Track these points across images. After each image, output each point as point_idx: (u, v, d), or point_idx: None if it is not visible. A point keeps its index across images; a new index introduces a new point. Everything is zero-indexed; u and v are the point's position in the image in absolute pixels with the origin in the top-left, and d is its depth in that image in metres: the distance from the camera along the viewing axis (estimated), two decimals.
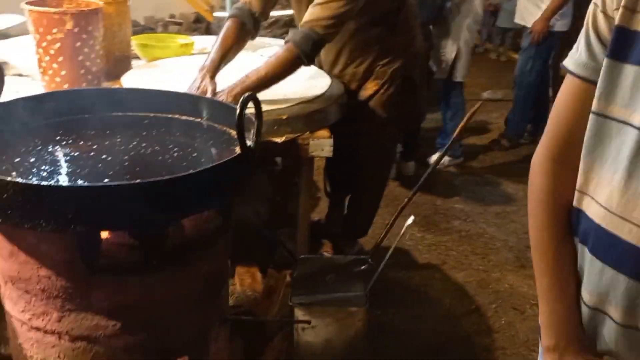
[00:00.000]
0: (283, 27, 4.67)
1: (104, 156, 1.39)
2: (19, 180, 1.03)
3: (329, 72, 2.29)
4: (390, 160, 2.50)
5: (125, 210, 1.09)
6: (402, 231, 1.75)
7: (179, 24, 6.35)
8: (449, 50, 3.62)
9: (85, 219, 1.07)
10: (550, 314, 0.98)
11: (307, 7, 1.94)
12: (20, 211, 1.05)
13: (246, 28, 2.05)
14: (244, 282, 2.36)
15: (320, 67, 2.34)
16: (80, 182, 1.25)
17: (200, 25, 6.16)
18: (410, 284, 2.55)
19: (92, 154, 1.40)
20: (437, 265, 2.71)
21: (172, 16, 6.53)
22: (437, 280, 2.59)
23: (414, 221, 2.61)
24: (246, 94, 1.24)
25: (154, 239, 1.30)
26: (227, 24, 2.05)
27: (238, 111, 1.21)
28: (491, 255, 2.82)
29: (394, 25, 2.20)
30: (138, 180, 1.08)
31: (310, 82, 2.14)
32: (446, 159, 3.78)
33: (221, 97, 1.78)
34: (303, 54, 1.84)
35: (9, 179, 1.03)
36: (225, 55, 1.99)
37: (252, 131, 1.33)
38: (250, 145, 1.30)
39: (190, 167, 1.32)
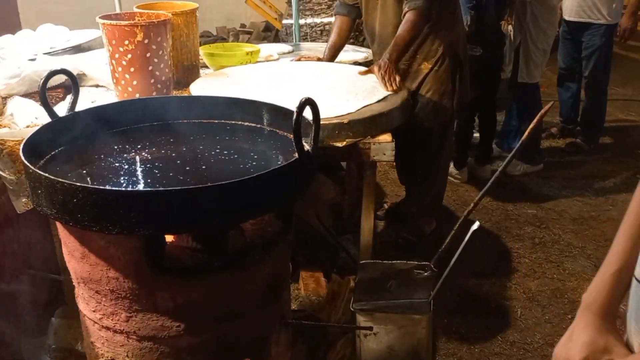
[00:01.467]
0: None
1: (172, 161, 1.44)
2: (88, 185, 1.08)
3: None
4: (448, 131, 2.59)
5: (186, 213, 1.12)
6: (467, 237, 1.69)
7: (249, 32, 6.52)
8: (510, 49, 3.46)
9: (149, 223, 1.11)
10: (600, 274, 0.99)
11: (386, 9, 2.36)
12: (89, 215, 1.10)
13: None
14: (308, 286, 2.37)
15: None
16: (146, 187, 1.30)
17: (270, 33, 6.29)
18: (479, 292, 2.46)
19: (161, 159, 1.45)
20: (509, 273, 2.59)
21: (242, 26, 6.72)
22: (508, 289, 2.49)
23: (481, 227, 2.54)
24: (303, 99, 1.24)
25: (215, 241, 1.33)
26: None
27: (295, 116, 1.22)
28: (567, 263, 2.67)
29: (439, 6, 2.34)
30: (197, 185, 1.10)
31: (375, 86, 2.12)
32: (524, 165, 3.60)
33: (383, 62, 2.14)
34: (426, 11, 2.21)
35: (78, 184, 1.08)
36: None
37: (310, 136, 1.33)
38: (308, 150, 1.30)
39: (252, 173, 1.33)
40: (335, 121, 1.82)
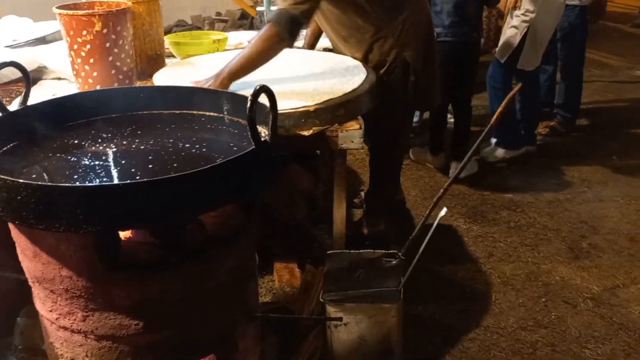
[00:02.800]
0: None
1: (128, 154, 1.40)
2: (30, 182, 1.04)
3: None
4: (396, 140, 2.43)
5: (136, 208, 1.08)
6: (435, 223, 1.67)
7: (225, 21, 6.43)
8: (510, 32, 3.31)
9: (97, 219, 1.07)
10: None
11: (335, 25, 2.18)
12: (34, 213, 1.06)
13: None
14: (282, 278, 2.35)
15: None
16: (100, 181, 1.25)
17: (246, 21, 6.21)
18: (455, 278, 2.46)
19: (117, 152, 1.41)
20: (484, 258, 2.59)
21: (218, 14, 6.63)
22: (483, 274, 2.48)
23: (457, 212, 2.52)
24: (257, 86, 1.20)
25: (172, 236, 1.30)
26: None
27: (249, 104, 1.18)
28: (542, 246, 2.67)
29: (391, 8, 2.18)
30: (145, 179, 1.06)
31: (344, 73, 2.09)
32: (501, 150, 3.55)
33: (209, 83, 1.84)
34: (283, 31, 1.90)
35: (20, 180, 1.04)
36: None
37: (269, 124, 1.30)
38: (265, 139, 1.27)
39: (210, 164, 1.30)
40: (301, 109, 1.79)
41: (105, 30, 1.86)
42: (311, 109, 1.80)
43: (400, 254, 1.77)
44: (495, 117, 1.82)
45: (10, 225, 1.28)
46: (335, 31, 2.28)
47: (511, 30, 3.31)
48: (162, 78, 2.04)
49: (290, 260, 2.44)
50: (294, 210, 2.59)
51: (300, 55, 2.41)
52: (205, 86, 1.83)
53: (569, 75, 3.92)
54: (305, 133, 1.80)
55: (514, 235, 2.76)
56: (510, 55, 3.32)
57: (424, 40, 2.30)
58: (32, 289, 1.37)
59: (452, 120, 3.53)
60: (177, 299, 1.30)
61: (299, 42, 2.69)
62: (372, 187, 2.62)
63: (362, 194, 3.07)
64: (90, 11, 1.88)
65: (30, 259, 1.27)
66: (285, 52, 2.41)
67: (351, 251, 1.84)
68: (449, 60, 3.06)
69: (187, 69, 2.16)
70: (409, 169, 3.46)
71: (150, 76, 2.16)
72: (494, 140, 3.64)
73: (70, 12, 1.85)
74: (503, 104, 1.83)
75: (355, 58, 2.27)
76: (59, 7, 1.89)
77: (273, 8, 4.35)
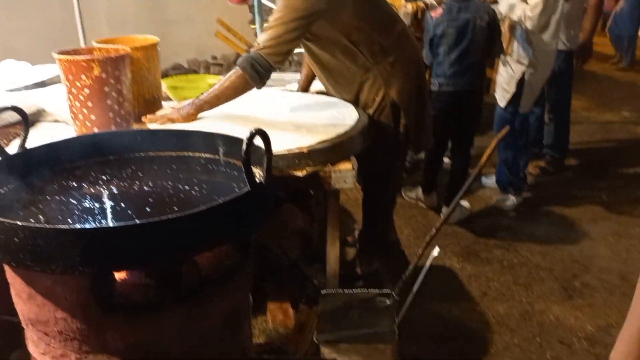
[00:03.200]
0: None
1: (125, 196, 1.42)
2: (28, 224, 1.05)
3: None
4: (387, 181, 2.45)
5: (132, 250, 1.10)
6: (428, 263, 1.69)
7: (220, 64, 6.56)
8: (506, 78, 3.33)
9: (93, 261, 1.08)
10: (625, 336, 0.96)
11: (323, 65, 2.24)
12: (31, 254, 1.07)
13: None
14: (276, 318, 2.34)
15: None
16: (97, 223, 1.27)
17: None
18: (449, 317, 2.45)
19: (114, 194, 1.43)
20: (478, 297, 2.59)
21: (214, 58, 6.77)
22: (478, 313, 2.48)
23: (451, 251, 2.54)
24: (253, 129, 1.24)
25: (167, 277, 1.31)
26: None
27: (244, 147, 1.21)
28: (535, 285, 2.68)
29: (379, 52, 2.21)
30: (141, 221, 1.08)
31: (336, 115, 2.14)
32: (512, 198, 3.49)
33: (181, 112, 2.03)
34: (251, 79, 2.01)
35: (18, 222, 1.06)
36: None
37: (263, 166, 1.33)
38: (260, 181, 1.29)
39: (206, 205, 1.32)
40: (294, 151, 1.82)
41: (104, 75, 1.90)
42: (304, 150, 1.83)
43: (394, 293, 1.78)
44: (483, 159, 1.86)
45: (6, 268, 1.29)
46: (326, 73, 2.34)
47: (507, 76, 3.34)
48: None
49: (284, 300, 2.43)
50: (288, 250, 2.59)
51: (294, 97, 2.47)
52: (175, 114, 2.05)
53: (557, 117, 4.02)
54: (299, 174, 1.83)
55: (507, 274, 2.77)
56: (510, 99, 3.34)
57: (414, 82, 2.34)
58: (25, 331, 1.37)
59: (449, 161, 3.58)
60: (171, 340, 1.30)
61: (294, 86, 2.75)
62: (365, 226, 2.64)
63: (356, 233, 3.09)
64: (89, 57, 1.93)
65: (24, 301, 1.27)
66: (280, 95, 2.48)
67: (345, 291, 1.84)
68: (451, 108, 3.18)
69: None
70: (401, 207, 3.49)
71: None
72: (489, 183, 3.66)
73: (70, 57, 1.90)
74: (492, 144, 1.87)
75: (345, 99, 2.32)
76: (59, 53, 1.94)
77: None
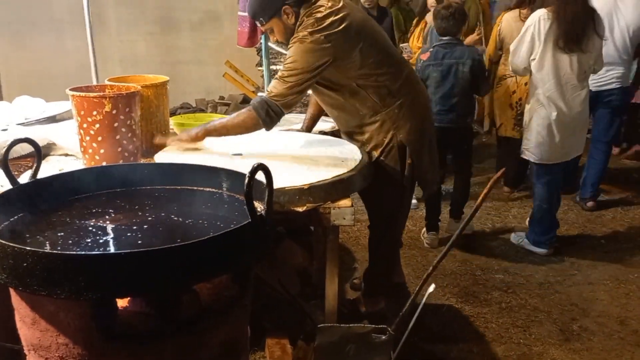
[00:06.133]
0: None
1: (130, 227, 1.47)
2: (37, 249, 1.10)
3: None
4: (393, 216, 2.50)
5: (136, 277, 1.14)
6: (423, 300, 1.71)
7: (227, 104, 6.70)
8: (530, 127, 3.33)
9: (98, 287, 1.13)
10: None
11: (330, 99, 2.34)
12: (38, 279, 1.12)
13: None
14: (274, 354, 2.34)
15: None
16: (101, 251, 1.32)
17: (247, 105, 6.48)
18: (446, 358, 2.45)
19: (119, 225, 1.48)
20: (476, 339, 2.59)
21: (221, 98, 6.93)
22: (476, 355, 2.48)
23: (450, 292, 2.55)
24: (255, 164, 1.30)
25: (168, 306, 1.34)
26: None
27: (246, 181, 1.27)
28: (533, 328, 2.68)
29: (386, 95, 2.30)
30: (146, 249, 1.13)
31: (338, 154, 2.20)
32: (543, 251, 3.45)
33: (178, 137, 2.18)
34: (262, 121, 2.16)
35: (28, 248, 1.11)
36: None
37: (265, 200, 1.38)
38: (261, 214, 1.35)
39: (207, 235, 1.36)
40: (296, 187, 1.88)
41: (114, 111, 1.99)
42: (305, 186, 1.89)
43: (390, 329, 1.80)
44: (480, 198, 1.91)
45: (12, 292, 1.33)
46: (336, 113, 2.43)
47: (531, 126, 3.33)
48: (163, 156, 2.15)
49: (282, 336, 2.44)
50: (287, 286, 2.62)
51: (298, 136, 2.54)
52: (185, 135, 2.24)
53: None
54: (299, 209, 1.88)
55: (506, 316, 2.77)
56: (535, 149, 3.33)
57: (421, 123, 2.41)
58: (27, 358, 1.39)
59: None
60: None
61: (298, 126, 2.83)
62: (370, 266, 2.66)
63: (359, 272, 3.10)
64: (101, 94, 2.02)
65: (28, 326, 1.30)
66: (284, 134, 2.55)
67: (342, 325, 1.86)
68: (438, 144, 3.20)
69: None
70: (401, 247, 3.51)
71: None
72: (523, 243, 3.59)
73: (83, 94, 1.98)
74: (488, 186, 1.92)
75: (353, 138, 2.40)
76: (72, 89, 2.03)
77: None
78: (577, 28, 3.09)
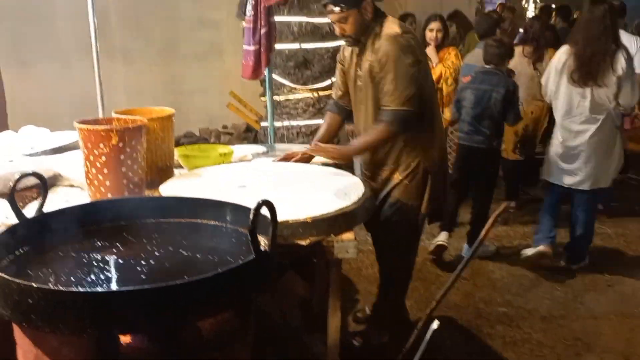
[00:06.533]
0: None
1: (134, 261, 1.48)
2: (43, 286, 1.11)
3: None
4: (409, 246, 2.57)
5: (139, 314, 1.14)
6: (427, 337, 1.70)
7: (230, 133, 6.75)
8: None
9: (101, 324, 1.13)
10: None
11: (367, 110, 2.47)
12: (43, 315, 1.12)
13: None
14: None
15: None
16: (105, 287, 1.32)
17: (250, 134, 6.53)
18: None
19: (124, 259, 1.49)
20: None
21: (224, 127, 6.98)
22: None
23: (453, 326, 2.53)
24: (260, 200, 1.31)
25: (169, 341, 1.34)
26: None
27: (252, 217, 1.28)
28: None
29: (422, 120, 2.40)
30: (150, 286, 1.13)
31: (342, 188, 2.21)
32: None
33: (328, 150, 2.37)
34: (396, 130, 2.33)
35: (34, 285, 1.11)
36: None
37: (269, 234, 1.39)
38: (265, 250, 1.35)
39: (211, 271, 1.36)
40: (299, 220, 1.88)
41: (121, 144, 2.00)
42: (309, 220, 1.90)
43: None
44: (484, 231, 1.91)
45: (15, 328, 1.33)
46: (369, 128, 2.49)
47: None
48: (169, 189, 2.17)
49: None
50: (288, 318, 2.60)
51: (301, 168, 2.55)
52: (337, 154, 2.43)
53: None
54: (303, 243, 1.89)
55: (510, 351, 2.75)
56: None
57: (441, 151, 2.54)
58: None
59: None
60: None
61: None
62: (382, 297, 2.65)
63: (367, 307, 3.05)
64: (108, 127, 2.05)
65: None
66: (287, 165, 2.56)
67: None
68: (467, 160, 3.74)
69: (191, 180, 2.29)
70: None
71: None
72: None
73: (90, 127, 2.01)
74: (490, 221, 1.93)
75: (375, 157, 2.49)
76: (80, 122, 2.05)
77: (277, 124, 4.65)
78: (592, 65, 3.27)
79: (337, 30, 2.44)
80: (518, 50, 4.28)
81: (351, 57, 2.52)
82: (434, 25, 4.33)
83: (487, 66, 3.69)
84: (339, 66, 2.64)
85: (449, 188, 2.97)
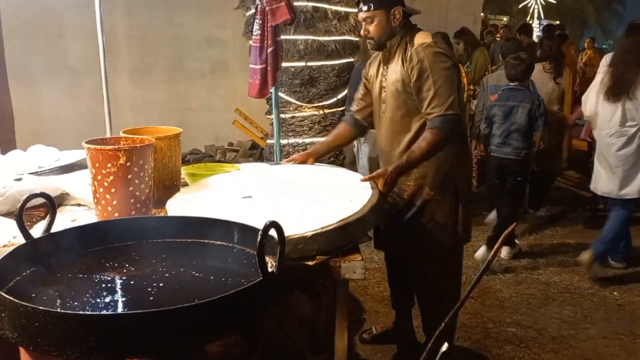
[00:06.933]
0: None
1: (141, 282, 1.47)
2: (50, 309, 1.10)
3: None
4: (449, 259, 2.49)
5: (147, 337, 1.13)
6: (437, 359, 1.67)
7: (236, 150, 6.78)
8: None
9: (109, 347, 1.11)
10: None
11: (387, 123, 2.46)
12: (49, 339, 1.11)
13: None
14: None
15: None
16: (112, 310, 1.31)
17: (256, 151, 6.56)
18: None
19: (130, 280, 1.48)
20: None
21: (230, 144, 7.01)
22: None
23: (460, 347, 2.49)
24: (268, 222, 1.30)
25: None
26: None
27: (259, 239, 1.27)
28: None
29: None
30: (157, 309, 1.12)
31: (347, 191, 2.19)
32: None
33: (387, 173, 2.20)
34: (448, 133, 2.27)
35: (41, 308, 1.11)
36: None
37: (276, 255, 1.38)
38: (272, 271, 1.34)
39: (219, 293, 1.35)
40: (297, 236, 1.85)
41: (128, 164, 2.01)
42: (308, 235, 1.87)
43: None
44: (496, 247, 1.88)
45: (22, 351, 1.32)
46: (396, 141, 2.46)
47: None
48: (176, 204, 2.15)
49: None
50: (294, 338, 2.57)
51: (305, 171, 2.52)
52: (381, 174, 2.22)
53: None
54: (310, 263, 1.87)
55: None
56: None
57: (469, 173, 2.56)
58: None
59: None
60: None
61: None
62: (437, 310, 2.55)
63: (374, 330, 3.01)
64: (116, 146, 2.05)
65: None
66: (291, 168, 2.53)
67: None
68: (498, 168, 4.11)
69: (199, 193, 2.27)
70: None
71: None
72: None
73: (98, 147, 2.01)
74: (499, 241, 1.91)
75: (408, 172, 2.42)
76: (88, 142, 2.06)
77: (283, 142, 4.66)
78: (624, 80, 3.59)
79: (362, 31, 2.44)
80: (539, 67, 4.74)
81: (377, 71, 2.51)
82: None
83: (511, 83, 4.05)
84: (363, 81, 2.63)
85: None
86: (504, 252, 4.15)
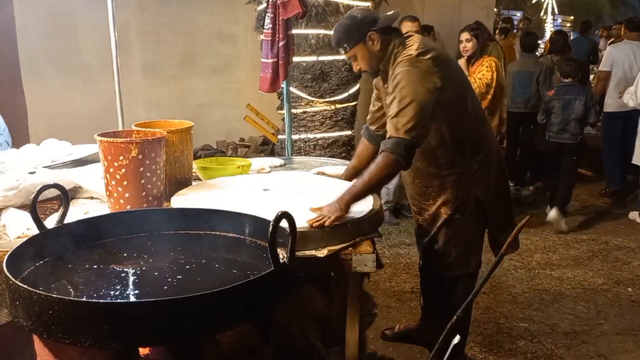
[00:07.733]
0: (342, 146, 4.89)
1: (153, 273, 1.48)
2: (64, 297, 1.11)
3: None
4: (469, 273, 2.44)
5: (159, 326, 1.14)
6: (448, 352, 1.67)
7: (247, 146, 6.79)
8: None
9: (122, 336, 1.13)
10: None
11: None
12: (63, 327, 1.12)
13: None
14: None
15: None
16: (124, 299, 1.32)
17: (267, 146, 6.56)
18: None
19: (142, 271, 1.49)
20: None
21: (241, 140, 7.03)
22: None
23: (473, 341, 2.48)
24: (279, 212, 1.30)
25: (189, 354, 1.33)
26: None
27: (270, 229, 1.27)
28: None
29: (470, 148, 2.29)
30: (170, 297, 1.13)
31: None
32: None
33: (333, 207, 1.93)
34: (400, 157, 2.05)
35: (55, 295, 1.12)
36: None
37: (287, 247, 1.38)
38: (284, 262, 1.34)
39: (230, 284, 1.36)
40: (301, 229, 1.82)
41: (140, 157, 2.02)
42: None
43: None
44: (505, 245, 1.87)
45: (35, 340, 1.33)
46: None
47: None
48: (179, 201, 2.15)
49: None
50: (305, 331, 2.58)
51: (312, 180, 2.53)
52: (325, 210, 1.92)
53: None
54: (320, 254, 1.87)
55: None
56: None
57: (496, 181, 2.37)
58: None
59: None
60: None
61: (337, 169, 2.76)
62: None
63: (397, 326, 2.98)
64: (128, 139, 2.06)
65: None
66: (317, 178, 2.52)
67: None
68: (557, 153, 4.85)
69: (207, 192, 2.28)
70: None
71: None
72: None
73: (110, 139, 2.03)
74: (513, 233, 1.89)
75: (425, 193, 2.38)
76: (100, 135, 2.08)
77: (294, 137, 4.66)
78: None
79: (354, 68, 2.34)
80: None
81: (382, 86, 2.42)
82: (462, 35, 4.29)
83: (565, 80, 4.82)
84: (374, 91, 2.52)
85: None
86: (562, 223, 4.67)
